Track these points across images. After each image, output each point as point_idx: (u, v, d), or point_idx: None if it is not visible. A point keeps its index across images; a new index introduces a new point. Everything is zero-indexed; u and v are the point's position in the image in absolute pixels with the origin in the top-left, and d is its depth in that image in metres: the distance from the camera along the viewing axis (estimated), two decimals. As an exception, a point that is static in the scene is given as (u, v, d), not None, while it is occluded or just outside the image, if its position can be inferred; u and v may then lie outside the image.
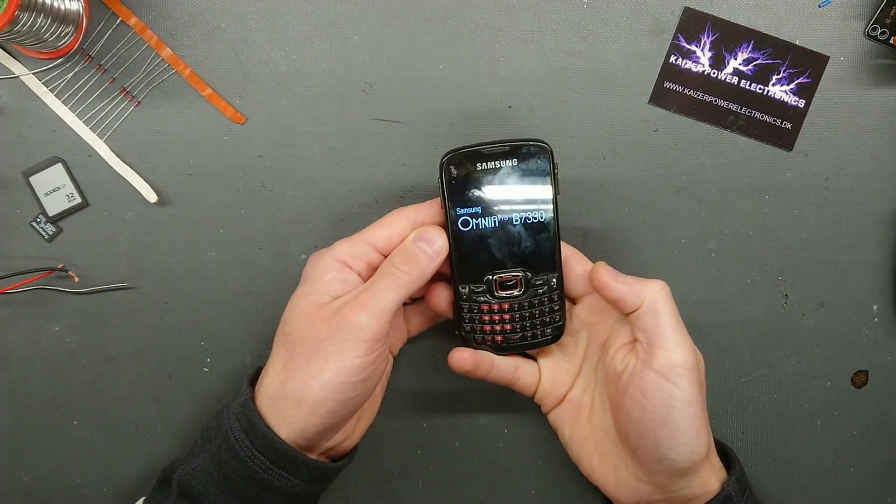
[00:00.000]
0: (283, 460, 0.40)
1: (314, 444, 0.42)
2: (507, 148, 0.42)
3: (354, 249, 0.42)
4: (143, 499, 0.45)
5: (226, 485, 0.41)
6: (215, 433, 0.42)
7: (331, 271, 0.41)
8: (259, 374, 0.43)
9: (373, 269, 0.42)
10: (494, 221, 0.43)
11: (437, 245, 0.42)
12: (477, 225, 0.43)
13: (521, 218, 0.43)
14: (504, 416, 0.51)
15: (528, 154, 0.42)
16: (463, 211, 0.43)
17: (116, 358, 0.50)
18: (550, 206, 0.43)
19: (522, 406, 0.50)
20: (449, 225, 0.43)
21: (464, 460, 0.51)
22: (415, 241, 0.42)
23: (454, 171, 0.42)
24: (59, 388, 0.51)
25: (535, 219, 0.43)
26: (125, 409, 0.51)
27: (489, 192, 0.42)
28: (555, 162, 0.43)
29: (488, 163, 0.42)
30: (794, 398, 0.51)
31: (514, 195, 0.42)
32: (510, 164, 0.42)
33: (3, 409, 0.51)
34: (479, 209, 0.42)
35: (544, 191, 0.42)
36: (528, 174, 0.42)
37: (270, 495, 0.41)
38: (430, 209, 0.43)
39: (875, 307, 0.50)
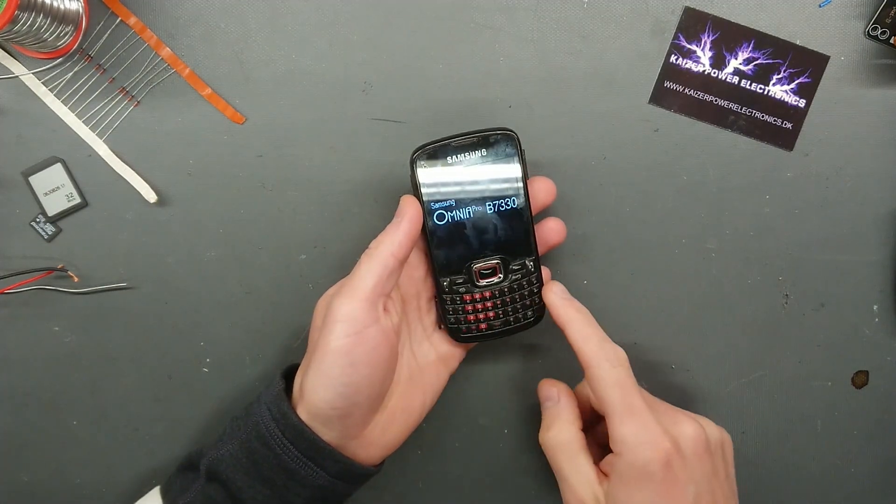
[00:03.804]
0: (311, 450, 0.41)
1: (338, 441, 0.42)
2: (475, 139, 0.43)
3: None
4: (158, 487, 0.45)
5: (254, 471, 0.41)
6: (244, 422, 0.43)
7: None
8: (292, 368, 0.44)
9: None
10: (469, 212, 0.43)
11: (401, 208, 0.42)
12: (452, 217, 0.43)
13: (494, 206, 0.43)
14: (504, 417, 0.51)
15: (496, 142, 0.43)
16: (437, 205, 0.43)
17: (116, 358, 0.50)
18: (522, 192, 0.43)
19: (522, 406, 0.50)
20: (425, 220, 0.43)
21: (464, 460, 0.51)
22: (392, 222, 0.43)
23: (425, 167, 0.43)
24: (59, 388, 0.51)
25: (508, 205, 0.43)
26: (125, 409, 0.51)
27: (461, 183, 0.43)
28: (522, 148, 0.43)
29: (458, 155, 0.43)
30: (794, 398, 0.51)
31: (485, 184, 0.43)
32: (479, 155, 0.43)
33: (2, 409, 0.51)
34: (452, 201, 0.43)
35: (514, 177, 0.43)
36: (497, 162, 0.43)
37: (296, 485, 0.41)
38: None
39: (875, 307, 0.50)
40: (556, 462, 0.43)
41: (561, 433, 0.43)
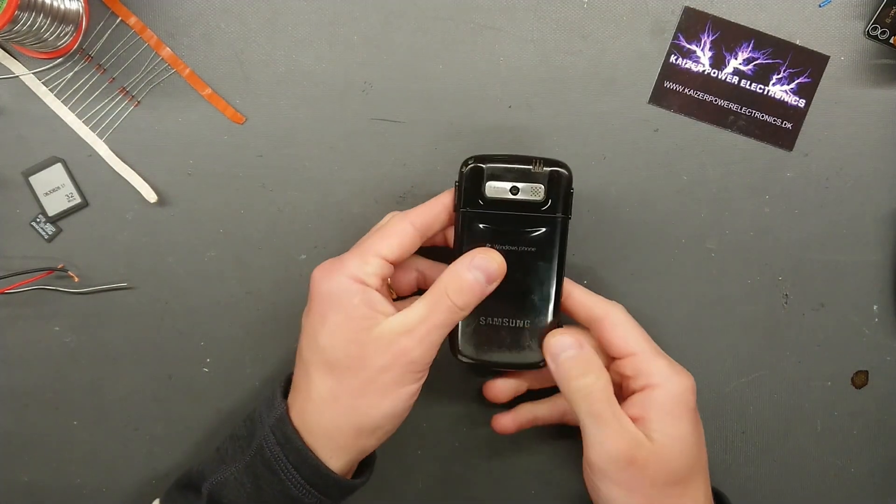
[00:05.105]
0: (315, 477, 0.40)
1: (354, 463, 0.42)
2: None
3: (368, 266, 0.41)
4: (157, 500, 0.44)
5: (257, 497, 0.40)
6: (247, 443, 0.42)
7: (356, 294, 0.40)
8: (290, 383, 0.43)
9: (386, 282, 0.42)
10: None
11: (495, 275, 0.41)
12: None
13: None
14: (504, 416, 0.51)
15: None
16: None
17: (116, 358, 0.50)
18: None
19: (522, 406, 0.50)
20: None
21: (464, 460, 0.51)
22: (470, 268, 0.40)
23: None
24: (59, 388, 0.51)
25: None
26: (125, 409, 0.51)
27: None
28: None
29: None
30: (794, 398, 0.51)
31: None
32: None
33: (3, 409, 0.51)
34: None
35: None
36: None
37: None
38: (434, 209, 0.43)
39: (875, 307, 0.50)
40: (594, 410, 0.40)
41: (599, 379, 0.41)
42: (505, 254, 0.41)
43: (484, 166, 0.42)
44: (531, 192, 0.42)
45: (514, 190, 0.42)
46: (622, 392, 0.43)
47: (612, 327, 0.42)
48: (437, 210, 0.43)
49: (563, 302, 0.44)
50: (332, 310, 0.40)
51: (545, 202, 0.42)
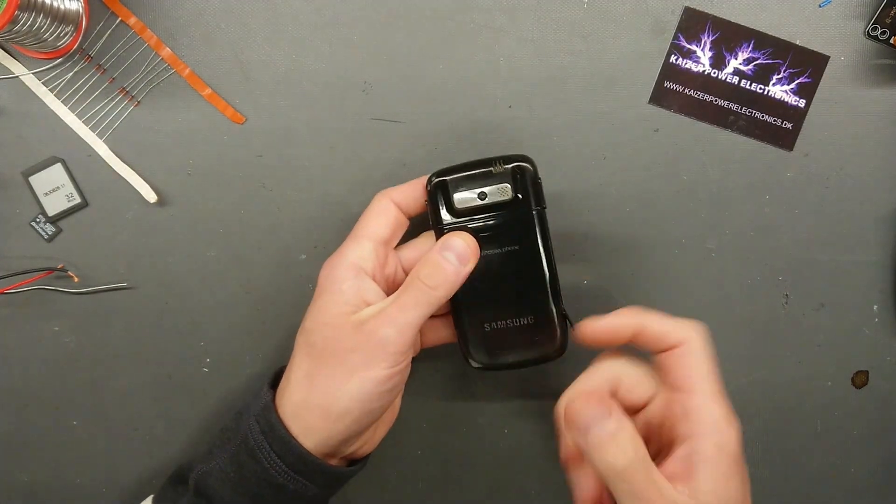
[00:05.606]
0: (299, 464, 0.40)
1: (336, 452, 0.42)
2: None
3: (362, 250, 0.41)
4: (151, 496, 0.45)
5: (241, 485, 0.41)
6: (234, 434, 0.42)
7: (347, 279, 0.41)
8: (279, 376, 0.43)
9: (383, 265, 0.42)
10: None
11: (464, 254, 0.41)
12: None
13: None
14: (504, 416, 0.51)
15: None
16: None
17: (116, 358, 0.50)
18: None
19: (523, 406, 0.50)
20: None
21: (464, 460, 0.51)
22: (440, 250, 0.41)
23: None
24: (59, 388, 0.51)
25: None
26: (125, 409, 0.51)
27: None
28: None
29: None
30: (794, 398, 0.51)
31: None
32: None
33: (3, 409, 0.51)
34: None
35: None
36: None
37: (284, 498, 0.41)
38: (414, 187, 0.43)
39: (875, 307, 0.50)
40: (636, 490, 0.35)
41: (637, 455, 0.35)
42: (491, 258, 0.42)
43: (447, 179, 0.42)
44: (498, 193, 0.42)
45: (482, 195, 0.42)
46: (661, 431, 0.39)
47: (682, 356, 0.38)
48: (417, 188, 0.43)
49: (633, 336, 0.39)
50: (321, 294, 0.41)
51: (515, 199, 0.42)
